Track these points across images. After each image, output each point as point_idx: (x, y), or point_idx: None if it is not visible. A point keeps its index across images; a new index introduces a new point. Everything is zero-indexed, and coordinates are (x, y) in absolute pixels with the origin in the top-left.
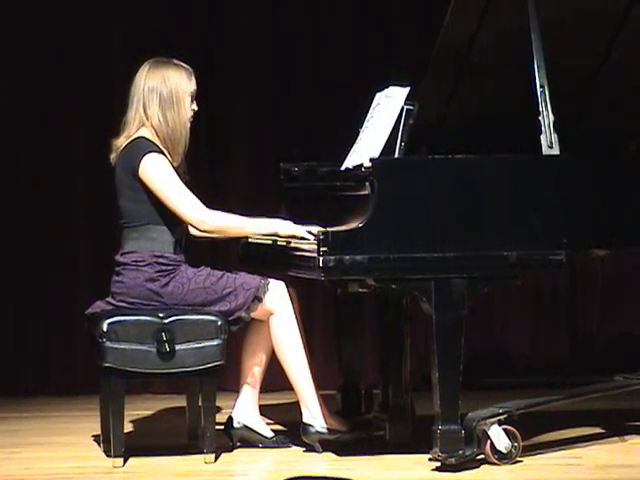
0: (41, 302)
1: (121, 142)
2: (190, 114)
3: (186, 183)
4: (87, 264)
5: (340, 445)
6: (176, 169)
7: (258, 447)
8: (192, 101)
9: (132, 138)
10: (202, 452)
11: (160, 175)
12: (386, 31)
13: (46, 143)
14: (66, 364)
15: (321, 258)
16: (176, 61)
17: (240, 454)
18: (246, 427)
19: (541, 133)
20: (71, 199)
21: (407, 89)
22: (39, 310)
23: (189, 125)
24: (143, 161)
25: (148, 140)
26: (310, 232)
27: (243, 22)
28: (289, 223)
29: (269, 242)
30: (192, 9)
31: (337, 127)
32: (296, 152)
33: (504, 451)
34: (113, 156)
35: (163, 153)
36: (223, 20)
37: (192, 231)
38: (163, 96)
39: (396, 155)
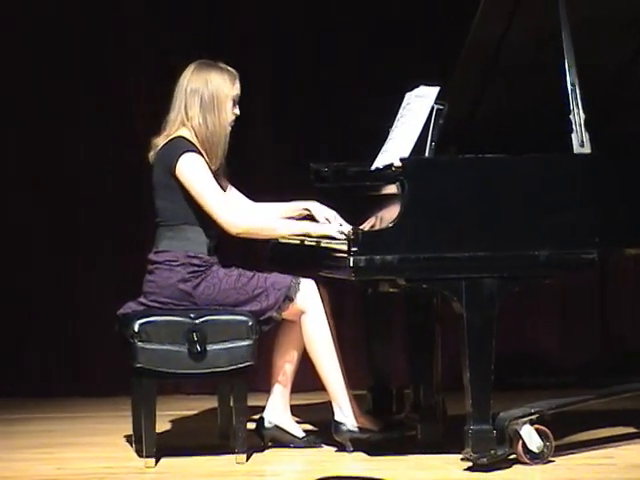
0: (69, 303)
1: (160, 141)
2: (231, 118)
3: (224, 186)
4: (115, 266)
5: (371, 445)
6: (215, 172)
7: (289, 447)
8: (234, 105)
9: (171, 137)
10: (233, 452)
11: (195, 175)
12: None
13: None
14: (97, 365)
15: (352, 258)
16: (221, 64)
17: (271, 454)
18: (277, 427)
19: (572, 132)
20: (95, 198)
21: (437, 89)
22: (68, 311)
23: (229, 129)
24: (180, 160)
25: (187, 140)
26: (342, 232)
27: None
28: (320, 224)
29: (298, 242)
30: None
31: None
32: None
33: (536, 451)
34: (151, 154)
35: (201, 154)
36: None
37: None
38: (204, 99)
39: (426, 155)
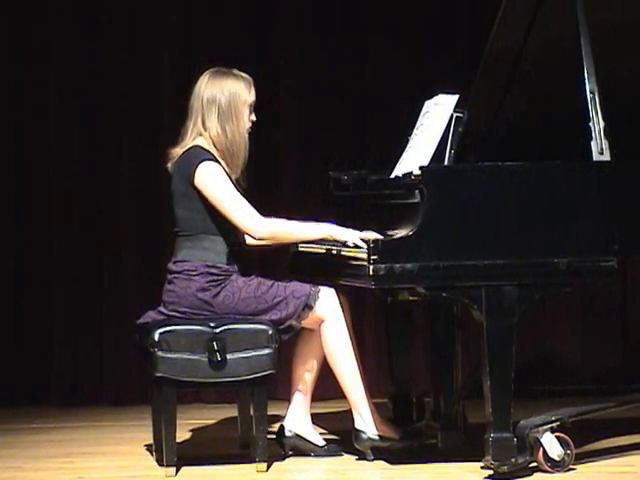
0: (93, 313)
1: (177, 151)
2: (248, 125)
3: (243, 193)
4: (138, 276)
5: (392, 453)
6: (234, 180)
7: (310, 456)
8: (251, 112)
9: (188, 147)
10: (254, 461)
11: (215, 183)
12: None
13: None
14: (118, 374)
15: (371, 266)
16: (236, 71)
17: (292, 463)
18: (298, 436)
19: (592, 139)
20: (119, 212)
21: (456, 97)
22: (90, 320)
23: (247, 136)
24: (199, 169)
25: (204, 149)
26: (363, 239)
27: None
28: (344, 229)
29: (319, 251)
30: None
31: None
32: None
33: (557, 459)
34: (169, 165)
35: (219, 162)
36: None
37: (247, 240)
38: (222, 108)
39: (446, 163)
